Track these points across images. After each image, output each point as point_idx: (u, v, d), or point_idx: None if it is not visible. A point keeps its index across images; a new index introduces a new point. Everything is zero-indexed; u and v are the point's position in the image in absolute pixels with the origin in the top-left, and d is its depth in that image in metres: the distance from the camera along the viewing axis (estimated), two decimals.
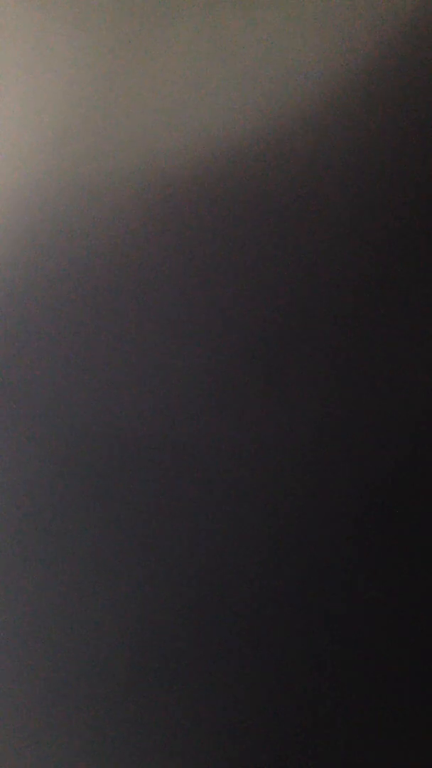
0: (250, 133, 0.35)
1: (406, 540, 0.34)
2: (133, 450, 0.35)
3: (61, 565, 0.36)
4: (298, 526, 0.35)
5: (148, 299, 0.36)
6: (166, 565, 0.35)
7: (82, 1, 0.36)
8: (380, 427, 0.35)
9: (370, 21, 0.35)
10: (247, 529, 0.35)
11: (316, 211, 0.35)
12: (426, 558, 0.34)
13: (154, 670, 0.35)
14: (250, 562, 0.35)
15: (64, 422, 0.36)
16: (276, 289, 0.35)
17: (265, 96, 0.35)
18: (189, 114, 0.35)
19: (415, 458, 0.34)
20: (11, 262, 0.36)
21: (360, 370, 0.35)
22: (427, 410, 0.35)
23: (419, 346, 0.35)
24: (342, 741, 0.34)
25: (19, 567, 0.36)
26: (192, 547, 0.35)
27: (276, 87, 0.35)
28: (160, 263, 0.36)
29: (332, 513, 0.35)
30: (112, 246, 0.36)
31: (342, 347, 0.35)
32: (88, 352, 0.36)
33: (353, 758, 0.34)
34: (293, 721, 0.35)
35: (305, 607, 0.35)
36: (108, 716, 0.35)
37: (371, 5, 0.35)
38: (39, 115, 0.36)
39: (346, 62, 0.35)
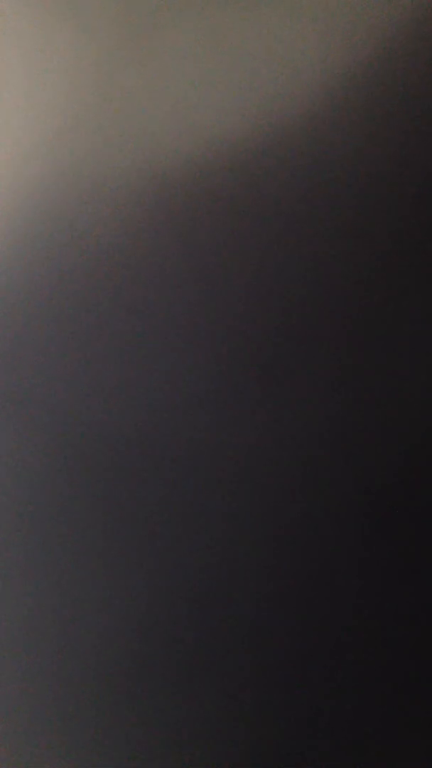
0: (250, 133, 0.35)
1: (408, 540, 0.34)
2: (133, 450, 0.35)
3: (61, 563, 0.36)
4: (299, 527, 0.35)
5: (149, 298, 0.36)
6: (167, 563, 0.35)
7: (82, 1, 0.36)
8: (381, 428, 0.35)
9: (370, 21, 0.35)
10: (247, 529, 0.35)
11: (317, 211, 0.35)
12: (427, 558, 0.34)
13: (155, 669, 0.35)
14: (250, 562, 0.35)
15: (65, 422, 0.36)
16: (277, 289, 0.35)
17: (265, 96, 0.35)
18: (189, 114, 0.35)
19: (417, 458, 0.34)
20: (11, 262, 0.36)
21: (361, 370, 0.35)
22: (428, 410, 0.35)
23: (421, 345, 0.35)
24: (343, 741, 0.35)
25: (20, 566, 0.36)
26: (193, 546, 0.35)
27: (276, 87, 0.35)
28: (161, 263, 0.36)
29: (333, 513, 0.35)
30: (112, 246, 0.36)
31: (343, 348, 0.35)
32: (89, 352, 0.36)
33: (353, 758, 0.35)
34: (294, 721, 0.35)
35: (306, 608, 0.35)
36: (109, 715, 0.35)
37: (371, 5, 0.35)
38: (39, 115, 0.36)
39: (346, 62, 0.35)
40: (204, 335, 0.35)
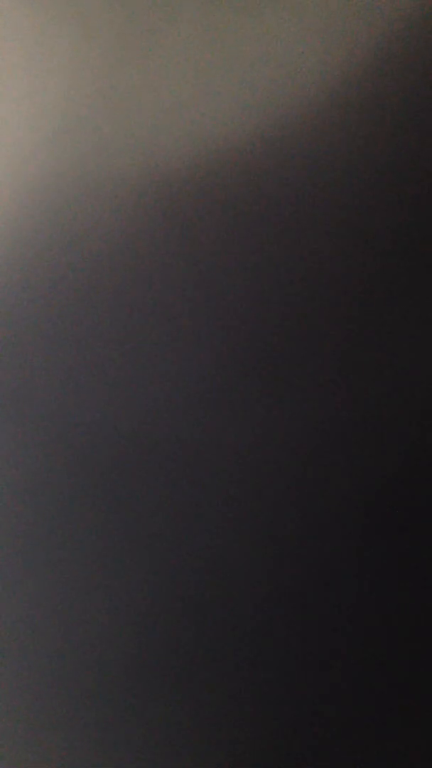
0: (250, 133, 0.35)
1: (408, 540, 0.34)
2: (133, 449, 0.35)
3: (61, 563, 0.36)
4: (299, 526, 0.35)
5: (149, 298, 0.36)
6: (167, 563, 0.35)
7: (82, 0, 0.36)
8: (381, 427, 0.35)
9: (370, 21, 0.35)
10: (248, 528, 0.35)
11: (317, 211, 0.35)
12: (428, 557, 0.34)
13: (154, 669, 0.35)
14: (250, 562, 0.35)
15: (65, 422, 0.36)
16: (277, 289, 0.35)
17: (265, 96, 0.35)
18: (189, 114, 0.35)
19: (417, 458, 0.34)
20: (11, 262, 0.36)
21: (361, 369, 0.35)
22: (428, 410, 0.35)
23: (420, 345, 0.35)
24: (342, 741, 0.35)
25: (20, 565, 0.36)
26: (193, 545, 0.35)
27: (276, 87, 0.35)
28: (161, 263, 0.36)
29: (333, 512, 0.35)
30: (113, 245, 0.36)
31: (343, 347, 0.35)
32: (89, 352, 0.36)
33: (354, 758, 0.35)
34: (294, 721, 0.35)
35: (306, 608, 0.35)
36: (109, 715, 0.35)
37: (371, 5, 0.35)
38: (39, 115, 0.36)
39: (346, 62, 0.35)
40: (204, 335, 0.35)
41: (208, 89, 0.35)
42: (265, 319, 0.35)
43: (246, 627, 0.35)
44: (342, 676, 0.34)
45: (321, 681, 0.35)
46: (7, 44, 0.36)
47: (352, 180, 0.35)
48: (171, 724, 0.35)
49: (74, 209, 0.36)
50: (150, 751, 0.35)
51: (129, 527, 0.35)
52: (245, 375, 0.35)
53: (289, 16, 0.35)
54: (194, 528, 0.35)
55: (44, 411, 0.36)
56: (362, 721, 0.34)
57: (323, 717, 0.35)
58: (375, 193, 0.35)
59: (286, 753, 0.35)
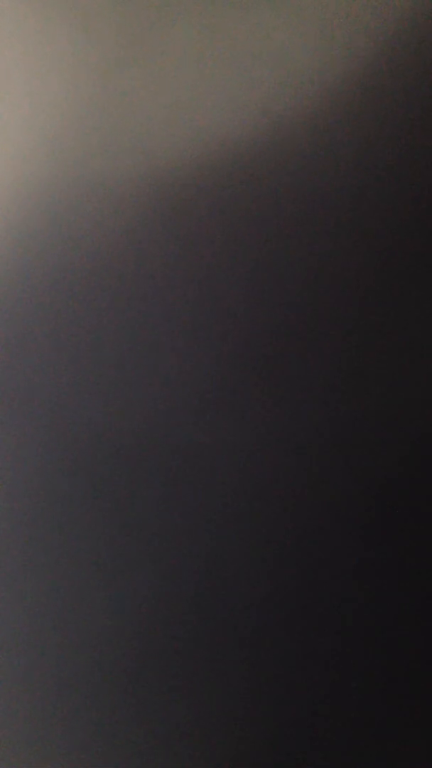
0: (250, 133, 0.35)
1: (408, 540, 0.34)
2: (133, 450, 0.35)
3: (61, 564, 0.36)
4: (299, 527, 0.35)
5: (149, 299, 0.36)
6: (167, 563, 0.35)
7: (82, 0, 0.36)
8: (381, 428, 0.35)
9: (370, 21, 0.35)
10: (247, 529, 0.35)
11: (317, 212, 0.35)
12: (428, 557, 0.34)
13: (154, 669, 0.35)
14: (250, 562, 0.35)
15: (65, 423, 0.36)
16: (277, 289, 0.35)
17: (265, 96, 0.35)
18: (189, 114, 0.35)
19: (417, 458, 0.34)
20: (12, 262, 0.36)
21: (361, 370, 0.35)
22: (428, 410, 0.35)
23: (420, 346, 0.35)
24: (342, 741, 0.35)
25: (20, 566, 0.36)
26: (193, 546, 0.35)
27: (276, 87, 0.35)
28: (161, 263, 0.36)
29: (333, 514, 0.35)
30: (112, 246, 0.36)
31: (343, 347, 0.35)
32: (89, 352, 0.36)
33: (353, 759, 0.35)
34: (294, 721, 0.35)
35: (306, 608, 0.35)
36: (108, 715, 0.35)
37: (371, 5, 0.35)
38: (39, 115, 0.36)
39: (346, 62, 0.35)
40: (204, 335, 0.35)
41: (208, 89, 0.35)
42: (266, 319, 0.35)
43: (246, 627, 0.35)
44: (342, 676, 0.34)
45: (321, 681, 0.35)
46: (7, 44, 0.36)
47: (352, 180, 0.35)
48: (171, 724, 0.35)
49: (74, 210, 0.36)
50: (150, 751, 0.35)
51: (129, 527, 0.35)
52: (245, 376, 0.35)
53: (288, 16, 0.35)
54: (194, 528, 0.35)
55: (44, 411, 0.36)
56: (362, 721, 0.34)
57: (323, 717, 0.35)
58: (375, 193, 0.35)
59: (286, 753, 0.35)
